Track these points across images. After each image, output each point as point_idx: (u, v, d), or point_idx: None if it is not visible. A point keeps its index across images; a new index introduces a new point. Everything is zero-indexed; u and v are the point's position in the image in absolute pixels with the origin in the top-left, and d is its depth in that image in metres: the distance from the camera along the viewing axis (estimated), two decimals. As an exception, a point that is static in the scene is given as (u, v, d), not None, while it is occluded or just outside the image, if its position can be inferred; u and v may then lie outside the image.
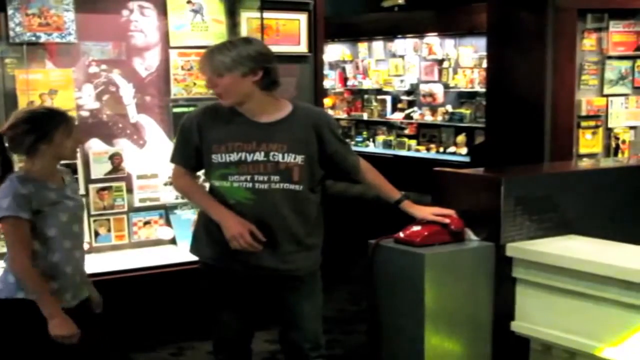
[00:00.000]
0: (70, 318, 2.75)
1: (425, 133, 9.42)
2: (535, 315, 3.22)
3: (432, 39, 9.12)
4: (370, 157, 3.57)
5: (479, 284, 3.27)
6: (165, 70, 4.78)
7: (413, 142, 9.37)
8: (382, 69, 9.87)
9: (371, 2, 9.90)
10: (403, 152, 9.32)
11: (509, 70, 5.86)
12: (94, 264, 4.07)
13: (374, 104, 10.00)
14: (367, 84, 10.07)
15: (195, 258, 3.16)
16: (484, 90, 7.70)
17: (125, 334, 4.16)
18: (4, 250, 2.97)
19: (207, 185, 3.13)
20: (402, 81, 9.57)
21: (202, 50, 3.02)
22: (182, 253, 4.51)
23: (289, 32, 5.17)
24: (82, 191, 4.39)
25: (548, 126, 5.58)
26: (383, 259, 3.25)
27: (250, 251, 2.85)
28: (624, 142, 5.89)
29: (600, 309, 2.98)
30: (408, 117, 9.53)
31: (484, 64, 7.28)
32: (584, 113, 5.71)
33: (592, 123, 5.77)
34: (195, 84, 4.77)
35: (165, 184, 4.72)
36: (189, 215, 4.78)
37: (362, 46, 10.15)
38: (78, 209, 2.93)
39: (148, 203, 4.78)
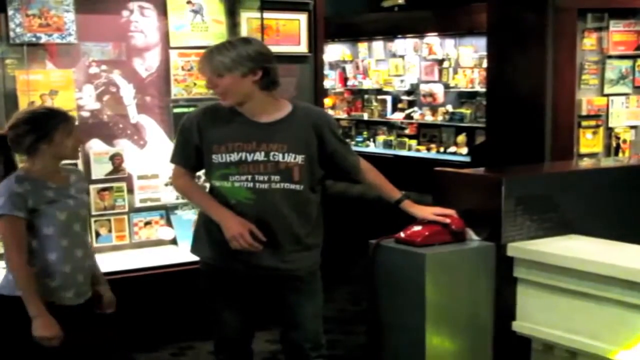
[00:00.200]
0: (55, 320, 2.75)
1: (426, 133, 9.41)
2: (537, 315, 3.22)
3: (432, 39, 9.11)
4: (371, 157, 3.57)
5: (480, 284, 3.27)
6: (165, 71, 4.78)
7: (413, 142, 9.36)
8: (382, 69, 9.86)
9: (371, 2, 9.89)
10: (403, 152, 9.30)
11: (509, 70, 5.86)
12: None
13: (374, 104, 9.99)
14: (367, 84, 10.06)
15: (195, 258, 3.16)
16: (484, 90, 7.68)
17: (126, 334, 4.15)
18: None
19: (207, 185, 3.13)
20: (402, 81, 9.56)
21: (202, 51, 3.01)
22: (182, 253, 4.51)
23: (289, 32, 5.17)
24: (83, 192, 4.39)
25: (548, 126, 5.57)
26: (384, 259, 3.25)
27: (251, 251, 2.85)
28: (624, 141, 5.89)
29: (602, 309, 2.98)
30: (408, 117, 9.51)
31: (484, 64, 7.27)
32: (584, 113, 5.71)
33: (592, 123, 5.77)
34: (195, 84, 4.77)
35: (166, 185, 4.72)
36: (189, 216, 4.78)
37: (362, 46, 10.14)
38: (80, 208, 2.93)
39: (149, 203, 4.78)
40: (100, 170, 4.60)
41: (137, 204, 4.75)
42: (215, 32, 4.79)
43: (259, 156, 2.90)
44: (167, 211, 4.83)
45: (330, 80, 10.34)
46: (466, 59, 8.82)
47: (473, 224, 3.29)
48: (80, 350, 2.86)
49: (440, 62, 9.13)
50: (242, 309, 3.07)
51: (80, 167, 4.47)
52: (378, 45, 9.91)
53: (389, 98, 9.83)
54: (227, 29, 4.87)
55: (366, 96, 10.19)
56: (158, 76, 4.79)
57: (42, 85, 4.33)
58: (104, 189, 4.62)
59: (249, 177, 2.90)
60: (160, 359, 4.36)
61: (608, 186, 3.67)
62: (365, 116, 10.09)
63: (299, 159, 2.92)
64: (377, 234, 3.33)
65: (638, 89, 5.92)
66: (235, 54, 2.85)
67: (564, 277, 3.08)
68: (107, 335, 3.15)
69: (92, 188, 4.56)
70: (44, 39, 4.29)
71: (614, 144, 5.87)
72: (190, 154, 3.00)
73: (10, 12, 4.19)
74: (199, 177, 3.26)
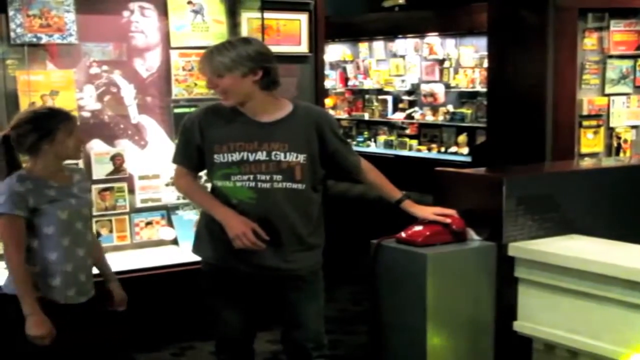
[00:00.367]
0: (47, 319, 2.75)
1: (427, 133, 9.41)
2: (538, 315, 3.22)
3: (432, 38, 9.11)
4: (372, 157, 3.57)
5: (481, 283, 3.27)
6: (166, 71, 4.78)
7: (414, 142, 9.36)
8: (383, 69, 9.86)
9: (372, 2, 9.89)
10: (404, 152, 9.30)
11: (510, 70, 5.86)
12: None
13: (375, 104, 9.99)
14: (368, 84, 10.06)
15: (197, 258, 3.16)
16: (485, 90, 7.67)
17: (127, 334, 4.15)
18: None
19: (208, 185, 3.13)
20: (403, 81, 9.56)
21: (203, 51, 3.01)
22: (184, 253, 4.51)
23: (290, 32, 5.17)
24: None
25: (549, 126, 5.57)
26: (385, 259, 3.25)
27: (254, 250, 2.85)
28: (625, 141, 5.89)
29: (603, 309, 2.98)
30: (409, 117, 9.51)
31: (485, 64, 7.27)
32: (585, 112, 5.71)
33: (593, 122, 5.77)
34: (196, 84, 4.76)
35: (167, 185, 4.72)
36: (190, 216, 4.78)
37: (363, 46, 10.14)
38: (82, 207, 2.94)
39: (150, 204, 4.78)
40: (101, 170, 4.60)
41: (138, 204, 4.75)
42: (215, 32, 4.79)
43: (261, 156, 2.90)
44: (168, 211, 4.83)
45: (331, 81, 10.34)
46: (467, 59, 8.82)
47: (474, 224, 3.29)
48: (82, 349, 2.87)
49: (441, 62, 9.13)
50: (244, 309, 3.07)
51: (82, 167, 4.47)
52: (379, 45, 9.91)
53: (389, 98, 9.83)
54: (228, 29, 4.87)
55: (367, 96, 10.19)
56: (159, 76, 4.79)
57: (42, 86, 4.33)
58: (105, 189, 4.62)
59: (251, 176, 2.90)
60: (161, 359, 4.36)
61: (609, 186, 3.67)
62: (366, 116, 10.09)
63: (301, 158, 2.92)
64: (378, 234, 3.33)
65: (639, 89, 5.92)
66: (235, 54, 2.85)
67: (565, 277, 3.08)
68: (110, 335, 3.16)
69: (93, 188, 4.54)
70: (44, 39, 4.29)
71: (614, 143, 5.87)
72: (192, 154, 3.00)
73: (10, 13, 4.18)
74: (201, 177, 3.25)
